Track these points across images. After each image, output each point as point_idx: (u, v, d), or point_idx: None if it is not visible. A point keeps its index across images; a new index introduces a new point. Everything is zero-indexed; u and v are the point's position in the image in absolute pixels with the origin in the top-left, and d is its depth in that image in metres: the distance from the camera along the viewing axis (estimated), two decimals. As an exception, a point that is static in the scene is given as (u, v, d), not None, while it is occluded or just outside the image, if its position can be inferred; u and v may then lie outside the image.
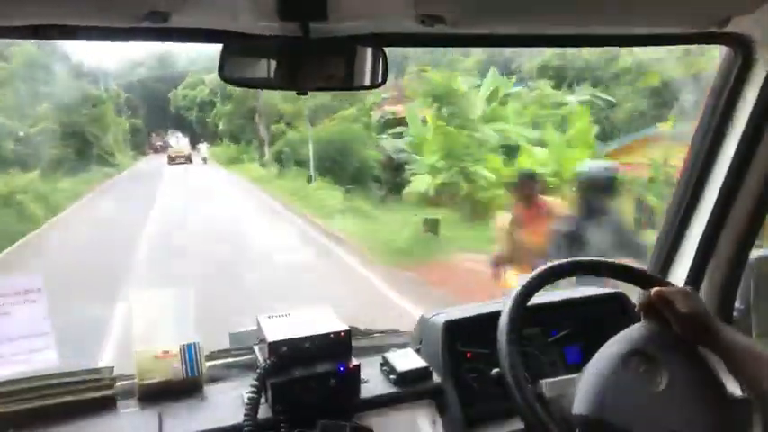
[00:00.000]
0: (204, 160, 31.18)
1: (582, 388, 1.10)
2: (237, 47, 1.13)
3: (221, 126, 29.84)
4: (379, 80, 1.17)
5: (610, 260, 1.31)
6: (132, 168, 28.45)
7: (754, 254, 1.70)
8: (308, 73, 1.13)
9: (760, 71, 1.46)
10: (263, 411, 1.32)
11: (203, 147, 33.19)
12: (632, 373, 1.11)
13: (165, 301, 1.48)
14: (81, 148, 21.71)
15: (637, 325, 1.20)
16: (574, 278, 1.44)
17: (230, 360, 1.59)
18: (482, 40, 1.35)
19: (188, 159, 31.05)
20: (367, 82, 1.18)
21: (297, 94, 1.24)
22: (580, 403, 1.09)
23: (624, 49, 16.07)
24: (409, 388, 1.48)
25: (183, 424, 1.31)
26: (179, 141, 34.87)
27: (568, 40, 1.41)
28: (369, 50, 1.16)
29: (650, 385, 1.09)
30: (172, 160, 30.59)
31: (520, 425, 1.12)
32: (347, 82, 1.21)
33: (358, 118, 19.32)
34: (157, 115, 38.60)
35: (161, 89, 37.08)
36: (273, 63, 1.14)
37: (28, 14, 1.03)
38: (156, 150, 39.90)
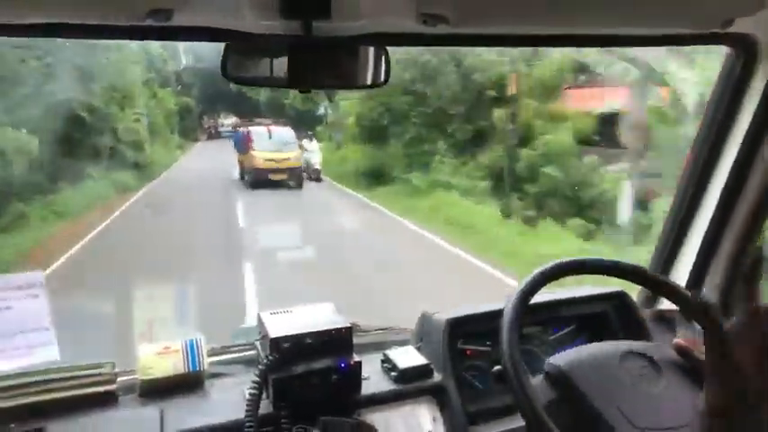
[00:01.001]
0: (316, 177, 16.53)
1: (572, 351, 1.12)
2: (240, 45, 1.13)
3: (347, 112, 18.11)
4: (382, 79, 1.17)
5: (612, 260, 1.31)
6: (168, 174, 17.59)
7: (756, 254, 1.70)
8: (310, 71, 1.13)
9: (763, 72, 1.46)
10: (265, 407, 1.33)
11: (314, 146, 17.43)
12: (627, 368, 1.13)
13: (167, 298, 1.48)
14: (70, 143, 11.55)
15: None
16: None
17: (232, 356, 1.59)
18: (485, 39, 1.35)
19: (297, 180, 15.55)
20: (369, 81, 1.19)
21: (300, 92, 1.24)
22: (560, 357, 1.13)
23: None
24: (410, 385, 1.49)
25: (184, 419, 1.32)
26: (272, 133, 16.89)
27: (572, 40, 1.41)
28: (371, 50, 1.16)
29: (642, 384, 1.10)
30: (259, 175, 14.99)
31: (520, 422, 1.12)
32: (350, 81, 1.21)
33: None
34: (213, 93, 30.82)
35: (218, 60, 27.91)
36: (276, 61, 1.14)
37: (28, 12, 1.03)
38: (211, 136, 33.77)
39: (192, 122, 31.46)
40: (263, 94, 27.25)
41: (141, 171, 15.89)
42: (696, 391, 1.08)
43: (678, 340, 1.15)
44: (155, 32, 1.15)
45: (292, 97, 24.02)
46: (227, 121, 36.45)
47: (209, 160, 22.66)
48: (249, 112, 30.63)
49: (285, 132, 17.29)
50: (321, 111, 23.00)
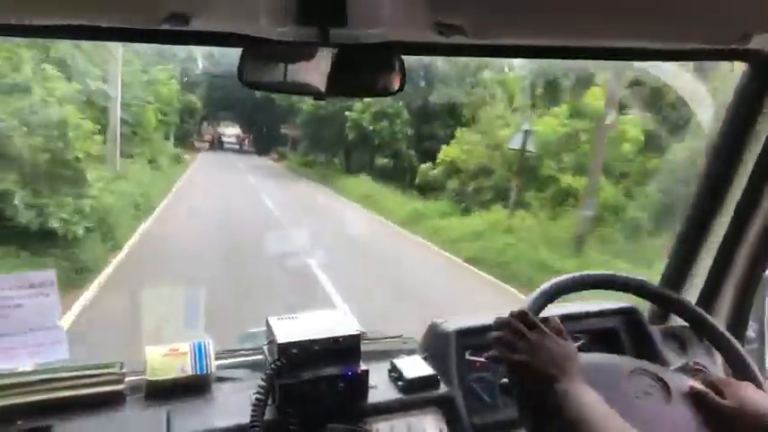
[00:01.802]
0: None
1: (582, 355, 1.11)
2: (257, 51, 1.14)
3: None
4: (396, 87, 1.17)
5: (625, 275, 1.30)
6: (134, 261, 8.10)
7: (769, 272, 1.68)
8: (327, 78, 1.14)
9: None
10: (271, 413, 1.33)
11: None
12: (634, 384, 1.12)
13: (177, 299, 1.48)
14: None
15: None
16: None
17: (239, 360, 1.59)
18: (501, 50, 1.35)
19: None
20: (384, 89, 1.19)
21: (314, 99, 1.25)
22: None
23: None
24: (416, 395, 1.48)
25: (190, 422, 1.32)
26: None
27: (588, 52, 1.41)
28: (387, 58, 1.16)
29: (646, 401, 1.09)
30: None
31: None
32: (365, 88, 1.22)
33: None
34: (225, 95, 25.29)
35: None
36: (292, 68, 1.15)
37: (47, 14, 1.04)
38: (212, 145, 29.35)
39: (191, 128, 25.42)
40: (307, 104, 19.80)
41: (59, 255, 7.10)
42: (703, 424, 1.06)
43: (695, 384, 1.12)
44: (171, 36, 1.16)
45: (360, 110, 18.19)
46: (229, 131, 32.81)
47: (253, 199, 13.96)
48: (275, 122, 26.32)
49: None
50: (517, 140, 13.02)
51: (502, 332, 1.10)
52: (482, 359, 1.56)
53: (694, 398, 1.09)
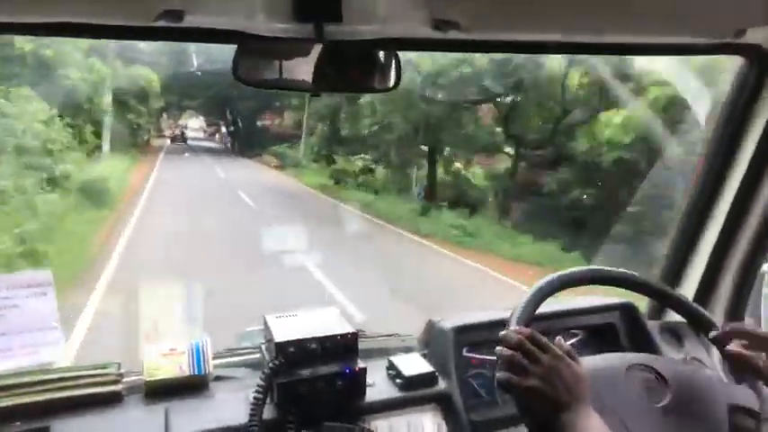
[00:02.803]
0: None
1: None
2: (252, 48, 1.14)
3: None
4: (392, 83, 1.17)
5: (622, 271, 1.30)
6: None
7: (765, 267, 1.69)
8: (321, 75, 1.13)
9: None
10: (269, 411, 1.32)
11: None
12: (633, 380, 1.12)
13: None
14: None
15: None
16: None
17: (237, 359, 1.59)
18: (496, 46, 1.35)
19: None
20: (380, 85, 1.19)
21: (310, 95, 1.25)
22: None
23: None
24: (415, 393, 1.47)
25: (188, 422, 1.31)
26: None
27: (583, 48, 1.41)
28: (382, 54, 1.16)
29: (647, 397, 1.09)
30: None
31: None
32: (360, 84, 1.21)
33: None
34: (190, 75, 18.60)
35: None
36: (287, 64, 1.15)
37: (41, 12, 1.03)
38: (175, 140, 24.18)
39: (145, 121, 18.28)
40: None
41: None
42: (703, 406, 1.07)
43: (734, 348, 1.08)
44: (166, 33, 1.16)
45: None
46: (193, 123, 26.82)
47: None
48: (257, 111, 21.38)
49: None
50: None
51: (511, 352, 1.02)
52: (480, 356, 1.56)
53: (736, 363, 1.08)
